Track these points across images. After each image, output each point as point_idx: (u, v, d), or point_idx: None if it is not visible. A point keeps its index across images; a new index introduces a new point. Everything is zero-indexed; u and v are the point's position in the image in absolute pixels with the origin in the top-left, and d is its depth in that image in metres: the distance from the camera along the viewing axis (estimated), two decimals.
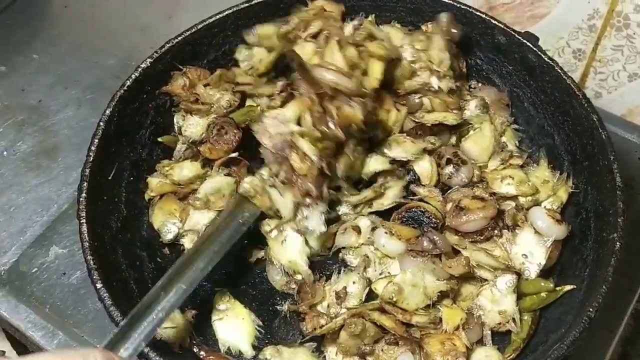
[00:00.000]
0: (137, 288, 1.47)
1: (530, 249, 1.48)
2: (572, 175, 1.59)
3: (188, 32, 1.67)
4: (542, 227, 1.48)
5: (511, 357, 1.41)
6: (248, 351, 1.45)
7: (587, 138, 1.53)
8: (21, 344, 1.63)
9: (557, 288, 1.45)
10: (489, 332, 1.42)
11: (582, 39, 2.01)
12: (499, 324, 1.42)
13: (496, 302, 1.42)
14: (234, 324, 1.47)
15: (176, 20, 2.08)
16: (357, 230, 1.52)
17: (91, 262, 1.36)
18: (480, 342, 1.43)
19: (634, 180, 1.82)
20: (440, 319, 1.40)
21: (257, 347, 1.45)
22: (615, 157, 1.44)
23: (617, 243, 1.34)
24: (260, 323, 1.48)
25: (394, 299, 1.36)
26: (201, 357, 1.42)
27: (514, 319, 1.41)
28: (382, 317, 1.38)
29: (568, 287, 1.45)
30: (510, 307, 1.42)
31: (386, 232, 1.48)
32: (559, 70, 1.58)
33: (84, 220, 1.40)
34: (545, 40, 1.68)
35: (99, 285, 1.34)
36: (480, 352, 1.41)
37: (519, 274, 1.44)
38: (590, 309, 1.28)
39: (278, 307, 1.50)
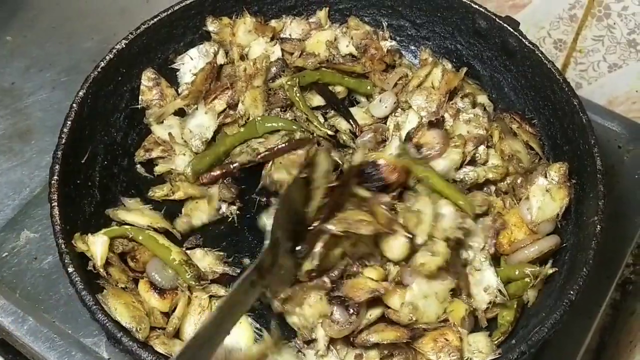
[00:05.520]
0: None
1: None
2: (552, 160, 1.58)
3: (164, 14, 1.65)
4: None
5: (500, 339, 1.40)
6: None
7: (567, 122, 1.53)
8: None
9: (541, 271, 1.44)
10: (483, 314, 1.42)
11: (563, 29, 2.01)
12: (489, 303, 1.41)
13: (478, 282, 1.42)
14: None
15: (154, 4, 2.04)
16: None
17: (62, 245, 1.34)
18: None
19: (614, 168, 1.82)
20: (444, 312, 1.38)
21: None
22: (596, 141, 1.43)
23: (598, 226, 1.33)
24: (258, 326, 1.44)
25: (414, 318, 1.34)
26: None
27: (499, 291, 1.40)
28: (384, 332, 1.35)
29: (551, 270, 1.44)
30: (492, 279, 1.41)
31: None
32: (540, 55, 1.57)
33: (55, 203, 1.37)
34: (526, 30, 1.68)
35: (70, 270, 1.31)
36: (468, 339, 1.39)
37: None
38: (571, 292, 1.27)
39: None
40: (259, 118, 1.63)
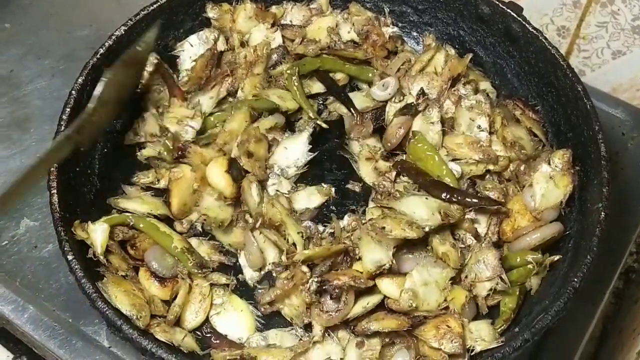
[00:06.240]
0: None
1: None
2: (556, 146, 1.57)
3: (163, 0, 1.63)
4: None
5: (502, 327, 1.39)
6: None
7: (571, 108, 1.51)
8: None
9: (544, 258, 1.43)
10: (483, 301, 1.41)
11: (567, 16, 1.99)
12: (490, 290, 1.40)
13: (480, 268, 1.40)
14: (233, 316, 1.42)
15: None
16: None
17: (62, 233, 1.33)
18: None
19: (618, 155, 1.81)
20: (445, 300, 1.37)
21: None
22: (600, 127, 1.42)
23: (602, 213, 1.32)
24: (260, 313, 1.43)
25: (414, 305, 1.33)
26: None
27: (500, 278, 1.39)
28: (384, 321, 1.33)
29: (556, 257, 1.43)
30: (494, 266, 1.39)
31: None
32: (544, 40, 1.56)
33: (54, 191, 1.37)
34: (529, 16, 1.65)
35: (70, 257, 1.31)
36: (470, 326, 1.38)
37: None
38: (575, 280, 1.26)
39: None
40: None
